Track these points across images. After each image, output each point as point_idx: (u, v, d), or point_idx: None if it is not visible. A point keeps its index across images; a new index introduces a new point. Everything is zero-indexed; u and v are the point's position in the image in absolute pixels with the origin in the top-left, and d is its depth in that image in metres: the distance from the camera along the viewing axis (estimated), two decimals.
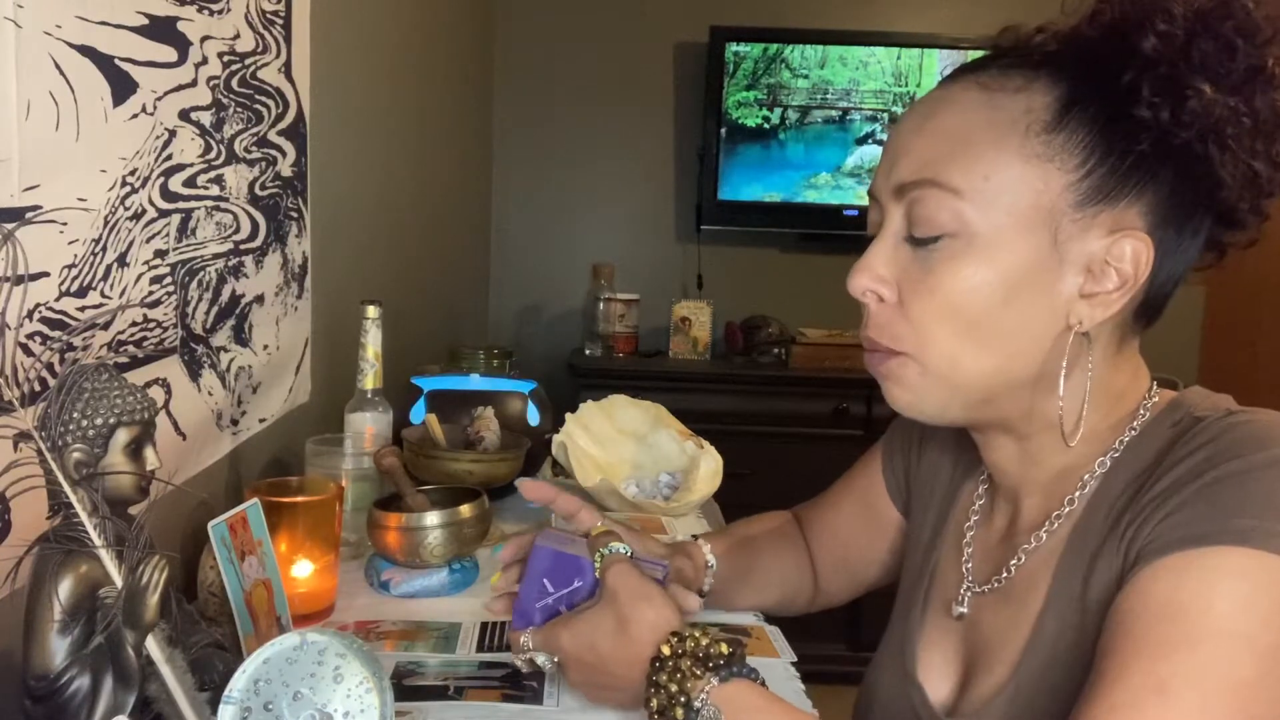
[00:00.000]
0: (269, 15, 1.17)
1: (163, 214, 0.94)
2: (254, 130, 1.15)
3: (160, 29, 0.91)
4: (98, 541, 0.62)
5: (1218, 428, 0.64)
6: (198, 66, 0.99)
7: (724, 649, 0.69)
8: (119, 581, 0.62)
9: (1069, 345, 0.67)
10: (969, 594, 0.78)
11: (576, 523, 0.91)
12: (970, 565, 0.79)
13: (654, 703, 0.69)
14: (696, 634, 0.70)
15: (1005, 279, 0.66)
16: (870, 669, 0.87)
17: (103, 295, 0.84)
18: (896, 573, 0.96)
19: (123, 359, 0.88)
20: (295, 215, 1.29)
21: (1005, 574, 0.74)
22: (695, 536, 1.00)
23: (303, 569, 0.97)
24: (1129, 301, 0.67)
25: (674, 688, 0.68)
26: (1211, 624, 0.57)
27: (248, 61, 1.12)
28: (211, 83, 1.02)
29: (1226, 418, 0.65)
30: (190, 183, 0.99)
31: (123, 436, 0.66)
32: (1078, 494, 0.71)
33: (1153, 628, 0.58)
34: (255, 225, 1.16)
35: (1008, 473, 0.76)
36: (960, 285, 0.67)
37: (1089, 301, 0.66)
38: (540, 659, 0.79)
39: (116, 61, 0.84)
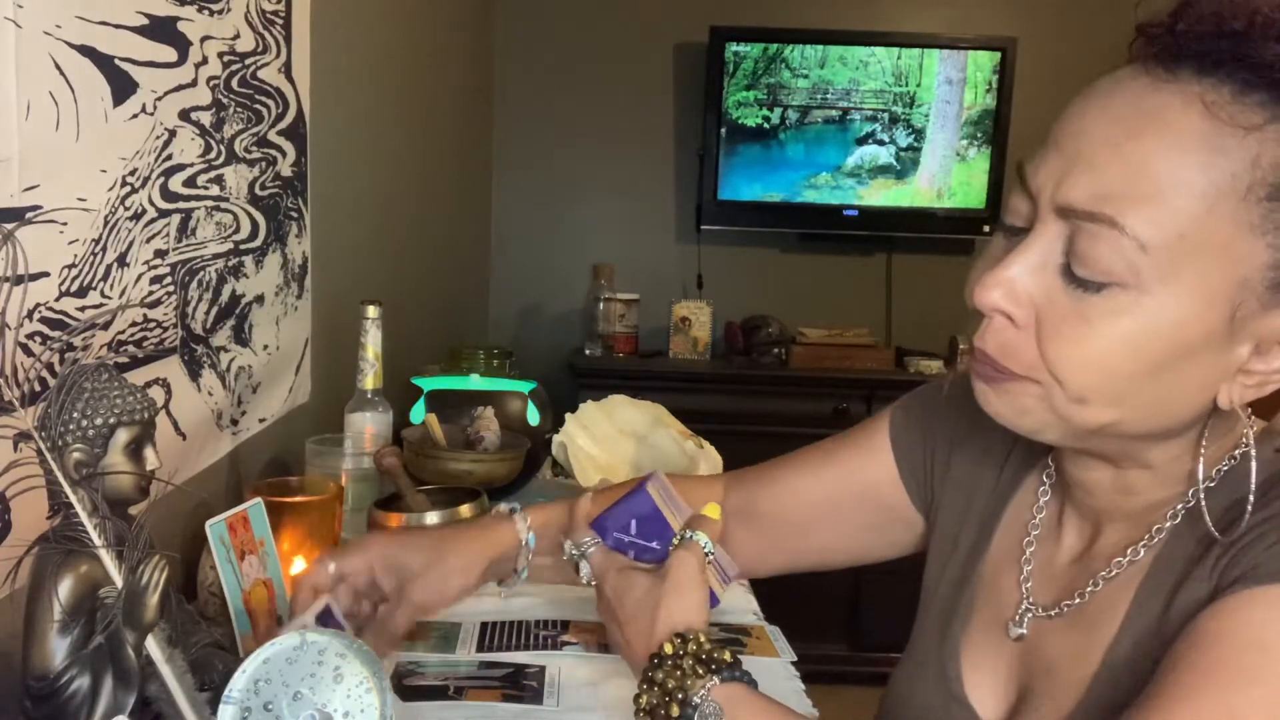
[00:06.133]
0: (269, 15, 1.17)
1: (163, 214, 0.94)
2: (254, 130, 1.15)
3: (160, 29, 0.91)
4: (98, 541, 0.62)
5: None
6: (198, 66, 0.99)
7: (726, 656, 0.69)
8: (119, 581, 0.62)
9: (1204, 414, 0.62)
10: (1030, 616, 0.73)
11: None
12: (1030, 585, 0.74)
13: (643, 699, 0.68)
14: (701, 637, 0.70)
15: (1167, 349, 0.58)
16: (898, 681, 0.83)
17: (103, 295, 0.84)
18: (859, 560, 0.91)
19: (123, 359, 0.88)
20: (295, 215, 1.29)
21: (1077, 599, 0.70)
22: (512, 510, 0.91)
23: (303, 569, 0.97)
24: None
25: (671, 684, 0.67)
26: None
27: (248, 61, 1.12)
28: (211, 83, 1.02)
29: None
30: (190, 183, 0.99)
31: (123, 436, 0.65)
32: (1168, 525, 0.66)
33: (1236, 654, 0.55)
34: (255, 225, 1.16)
35: (1096, 497, 0.71)
36: (1114, 344, 0.58)
37: (1244, 378, 0.59)
38: (584, 569, 0.80)
39: (116, 61, 0.84)
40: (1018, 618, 0.73)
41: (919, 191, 2.92)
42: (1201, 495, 0.63)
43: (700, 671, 0.67)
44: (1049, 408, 0.62)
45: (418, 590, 0.82)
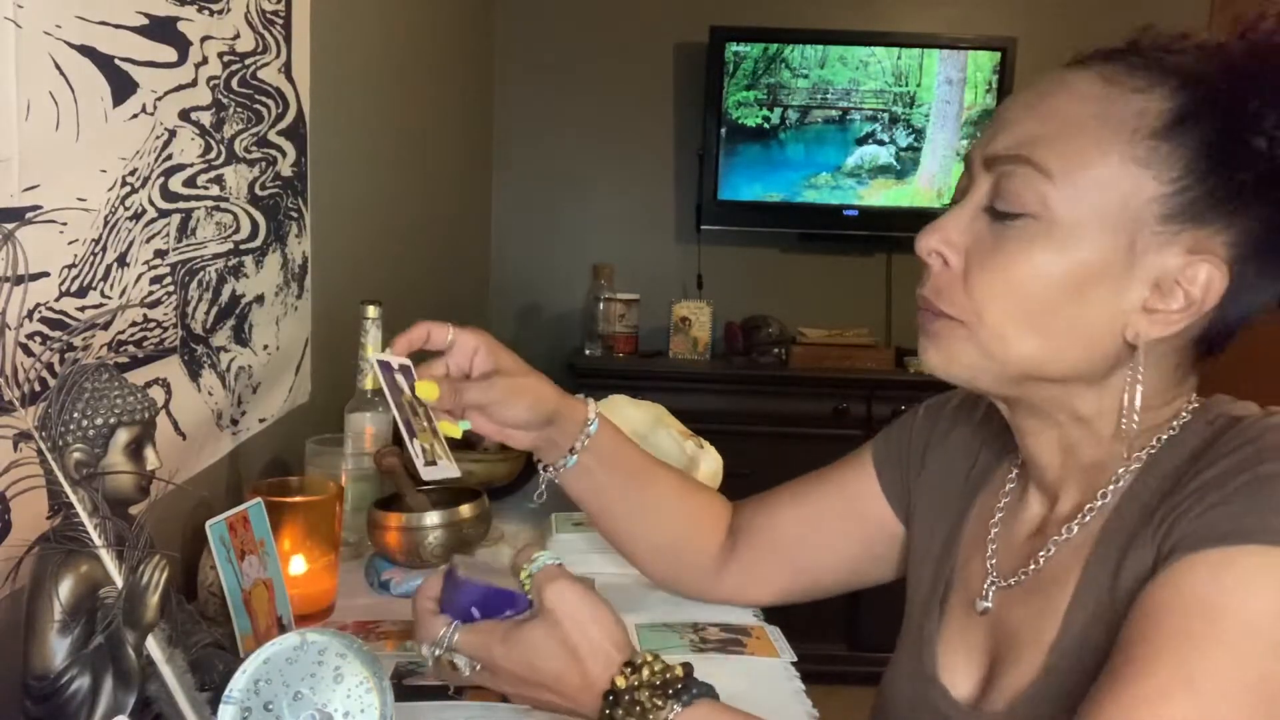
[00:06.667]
0: (269, 15, 1.17)
1: (163, 214, 0.94)
2: (254, 130, 1.15)
3: (160, 29, 0.91)
4: (98, 541, 0.62)
5: (1260, 427, 0.64)
6: (198, 66, 0.99)
7: (679, 671, 0.65)
8: (119, 581, 0.62)
9: (1119, 354, 0.67)
10: (993, 588, 0.77)
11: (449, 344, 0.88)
12: (995, 561, 0.79)
13: None
14: (649, 658, 0.66)
15: (1073, 273, 0.66)
16: (884, 682, 0.86)
17: (103, 295, 0.84)
18: (851, 582, 0.96)
19: (123, 359, 0.88)
20: (295, 215, 1.29)
21: (1033, 565, 0.74)
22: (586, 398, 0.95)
23: (303, 569, 0.97)
24: (1190, 326, 0.66)
25: None
26: (1246, 623, 0.57)
27: (248, 61, 1.12)
28: (211, 83, 1.02)
29: (1268, 418, 0.65)
30: (190, 183, 0.99)
31: (123, 436, 0.66)
32: (1111, 487, 0.71)
33: (1185, 621, 0.58)
34: (255, 225, 1.16)
35: (1048, 463, 0.76)
36: (1027, 268, 0.67)
37: (1149, 317, 0.66)
38: (460, 660, 0.71)
39: (116, 61, 0.84)
40: (984, 592, 0.77)
41: (919, 191, 2.92)
42: (1128, 453, 0.70)
43: (659, 702, 0.64)
44: (977, 349, 0.70)
45: (501, 382, 0.87)
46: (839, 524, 0.95)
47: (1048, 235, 0.66)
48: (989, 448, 0.85)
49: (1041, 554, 0.74)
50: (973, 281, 0.69)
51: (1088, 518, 0.72)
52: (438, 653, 0.71)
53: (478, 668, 0.71)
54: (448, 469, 0.81)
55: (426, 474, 0.79)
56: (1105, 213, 0.65)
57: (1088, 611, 0.68)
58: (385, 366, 0.82)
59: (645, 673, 0.65)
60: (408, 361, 0.85)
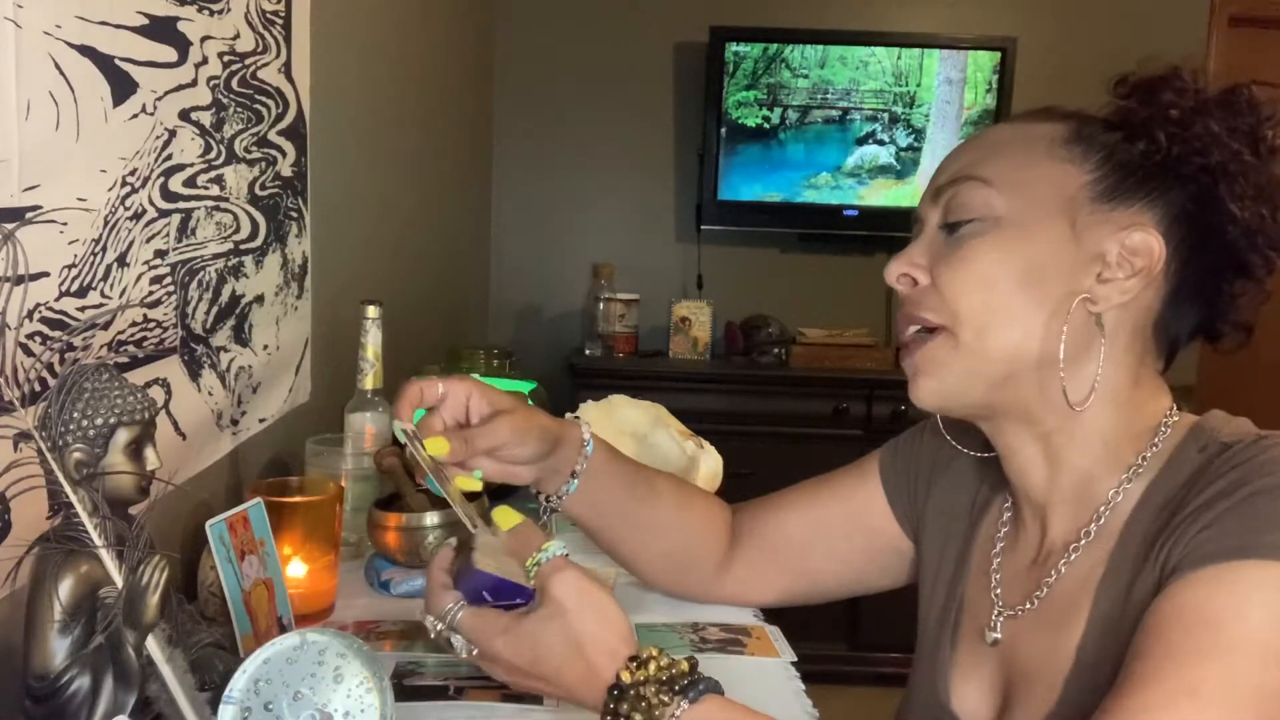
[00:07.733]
0: (269, 15, 1.17)
1: (163, 214, 0.94)
2: (254, 130, 1.15)
3: (160, 29, 0.91)
4: (98, 541, 0.62)
5: (1249, 452, 0.66)
6: (198, 66, 0.99)
7: (685, 666, 0.65)
8: (119, 581, 0.62)
9: (1088, 330, 0.72)
10: (1001, 619, 0.78)
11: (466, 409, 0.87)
12: (999, 591, 0.80)
13: None
14: (655, 653, 0.66)
15: (1028, 257, 0.72)
16: (900, 708, 0.87)
17: (103, 295, 0.84)
18: (855, 588, 0.98)
19: (123, 359, 0.88)
20: (295, 215, 1.29)
21: (1041, 592, 0.76)
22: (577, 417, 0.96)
23: (303, 569, 0.97)
24: (1144, 299, 0.72)
25: (639, 716, 0.63)
26: (1244, 634, 0.59)
27: (248, 61, 1.12)
28: (211, 83, 1.02)
29: (1257, 443, 0.67)
30: (190, 183, 0.99)
31: (123, 436, 0.66)
32: (1105, 509, 0.73)
33: (1186, 635, 0.60)
34: (255, 225, 1.16)
35: (1034, 482, 0.78)
36: (986, 259, 0.73)
37: (1105, 286, 0.72)
38: (458, 641, 0.71)
39: (116, 61, 0.84)
40: (992, 623, 0.79)
41: (919, 191, 2.91)
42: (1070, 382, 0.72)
43: (666, 698, 0.63)
44: (963, 354, 0.74)
45: (505, 421, 0.86)
46: (842, 532, 0.96)
47: (998, 229, 0.73)
48: (987, 482, 0.87)
49: (1048, 579, 0.75)
50: (942, 284, 0.74)
51: (1091, 537, 0.73)
52: (440, 627, 0.71)
53: (474, 652, 0.70)
54: (485, 529, 0.79)
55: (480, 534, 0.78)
56: (1043, 201, 0.73)
57: (1100, 645, 0.69)
58: (409, 436, 0.82)
59: (652, 668, 0.65)
60: (411, 426, 0.84)
